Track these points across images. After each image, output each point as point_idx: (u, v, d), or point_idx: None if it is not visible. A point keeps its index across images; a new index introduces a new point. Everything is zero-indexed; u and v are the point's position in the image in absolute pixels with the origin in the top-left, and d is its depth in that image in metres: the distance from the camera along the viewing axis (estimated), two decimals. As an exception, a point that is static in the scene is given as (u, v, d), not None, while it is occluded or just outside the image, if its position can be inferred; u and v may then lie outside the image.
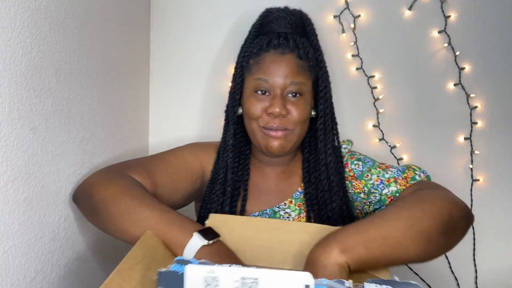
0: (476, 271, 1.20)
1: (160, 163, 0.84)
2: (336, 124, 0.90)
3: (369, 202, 0.85)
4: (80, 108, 0.84)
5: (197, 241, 0.64)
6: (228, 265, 0.44)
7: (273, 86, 0.81)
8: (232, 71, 1.22)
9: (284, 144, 0.83)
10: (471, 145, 1.19)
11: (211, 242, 0.64)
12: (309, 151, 0.91)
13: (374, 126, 1.21)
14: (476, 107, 1.18)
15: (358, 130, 1.22)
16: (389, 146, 1.21)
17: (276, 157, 0.88)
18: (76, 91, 0.83)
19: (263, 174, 0.92)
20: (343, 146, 0.92)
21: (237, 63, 0.89)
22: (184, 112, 1.25)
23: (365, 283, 0.43)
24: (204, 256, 0.62)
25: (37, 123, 0.71)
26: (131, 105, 1.12)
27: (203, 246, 0.63)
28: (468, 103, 1.18)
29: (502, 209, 1.19)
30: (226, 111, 0.90)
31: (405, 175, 0.84)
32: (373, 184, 0.84)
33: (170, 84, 1.25)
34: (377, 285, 0.44)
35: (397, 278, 0.46)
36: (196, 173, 0.88)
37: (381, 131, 1.21)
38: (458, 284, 1.21)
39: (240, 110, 0.88)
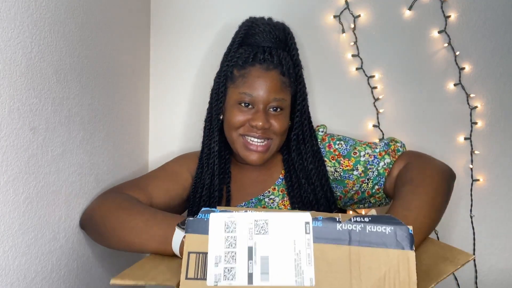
0: (476, 271, 1.20)
1: (152, 179, 0.90)
2: (313, 131, 0.94)
3: (367, 179, 0.90)
4: (80, 108, 0.84)
5: (179, 233, 0.66)
6: (244, 211, 0.52)
7: (256, 100, 0.85)
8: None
9: (263, 156, 0.88)
10: (471, 145, 1.19)
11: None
12: (288, 153, 0.95)
13: (374, 126, 1.21)
14: (476, 107, 1.18)
15: (358, 130, 1.22)
16: (389, 146, 1.21)
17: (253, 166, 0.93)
18: (76, 91, 0.83)
19: (244, 170, 0.96)
20: (320, 129, 0.97)
21: (220, 71, 0.92)
22: (184, 111, 1.25)
23: (352, 218, 0.53)
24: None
25: (37, 123, 0.71)
26: (131, 104, 1.12)
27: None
28: (468, 103, 1.18)
29: (502, 209, 1.19)
30: (209, 119, 0.94)
31: (392, 147, 0.91)
32: (367, 161, 0.90)
33: (170, 83, 1.25)
34: (361, 218, 0.53)
35: (375, 213, 0.55)
36: (186, 180, 0.94)
37: (381, 131, 1.21)
38: (458, 284, 1.21)
39: (221, 117, 0.92)
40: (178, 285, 0.49)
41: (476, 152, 1.18)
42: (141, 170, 1.20)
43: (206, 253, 0.49)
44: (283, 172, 0.94)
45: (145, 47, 1.22)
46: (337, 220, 0.52)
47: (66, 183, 0.80)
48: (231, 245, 0.49)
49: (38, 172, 0.72)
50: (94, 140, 0.91)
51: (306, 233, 0.51)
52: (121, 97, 1.04)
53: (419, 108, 1.21)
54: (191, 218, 0.53)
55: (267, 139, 0.87)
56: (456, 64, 1.18)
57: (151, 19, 1.24)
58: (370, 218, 0.52)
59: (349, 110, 1.22)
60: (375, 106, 1.21)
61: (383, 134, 1.21)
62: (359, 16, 1.19)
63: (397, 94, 1.21)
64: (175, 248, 0.66)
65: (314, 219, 0.51)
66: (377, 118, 1.21)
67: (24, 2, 0.67)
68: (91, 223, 0.80)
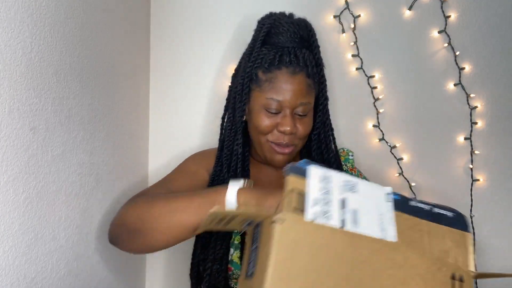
0: (476, 271, 1.20)
1: (172, 182, 0.88)
2: (332, 131, 0.95)
3: None
4: (80, 108, 0.84)
5: (233, 187, 0.67)
6: (337, 171, 0.58)
7: (284, 106, 0.85)
8: (232, 71, 1.22)
9: (288, 158, 0.89)
10: (471, 145, 1.19)
11: (246, 183, 0.69)
12: (308, 154, 0.95)
13: (374, 126, 1.21)
14: (476, 107, 1.18)
15: (358, 130, 1.22)
16: (389, 146, 1.21)
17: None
18: (76, 91, 0.83)
19: (262, 170, 0.95)
20: (350, 154, 1.00)
21: (243, 71, 0.89)
22: (184, 111, 1.25)
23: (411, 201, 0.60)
24: (244, 197, 0.67)
25: (37, 123, 0.71)
26: (131, 104, 1.12)
27: (239, 189, 0.68)
28: (468, 103, 1.18)
29: (502, 209, 1.19)
30: (231, 120, 0.92)
31: None
32: None
33: (170, 83, 1.25)
34: (426, 203, 0.60)
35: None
36: (204, 179, 0.92)
37: (381, 131, 1.21)
38: (458, 284, 1.21)
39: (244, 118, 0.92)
40: (277, 213, 0.52)
41: (476, 152, 1.18)
42: (141, 170, 1.20)
43: (304, 193, 0.54)
44: None
45: (145, 47, 1.22)
46: (410, 198, 0.59)
47: (66, 183, 0.80)
48: (327, 193, 0.54)
49: (38, 172, 0.72)
50: (94, 140, 0.91)
51: (387, 201, 0.57)
52: (121, 97, 1.04)
53: (419, 108, 1.21)
54: (291, 165, 0.57)
55: (293, 145, 0.88)
56: (456, 64, 1.18)
57: (151, 19, 1.24)
58: (433, 204, 0.60)
59: (349, 110, 1.22)
60: (375, 106, 1.21)
61: (383, 134, 1.21)
62: (359, 16, 1.19)
63: (397, 94, 1.21)
64: (231, 200, 0.67)
65: (393, 192, 0.58)
66: (377, 118, 1.21)
67: (24, 2, 0.67)
68: (126, 229, 0.75)
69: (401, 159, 1.21)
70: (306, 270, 0.49)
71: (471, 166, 1.19)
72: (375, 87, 1.21)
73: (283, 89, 0.84)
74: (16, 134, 0.66)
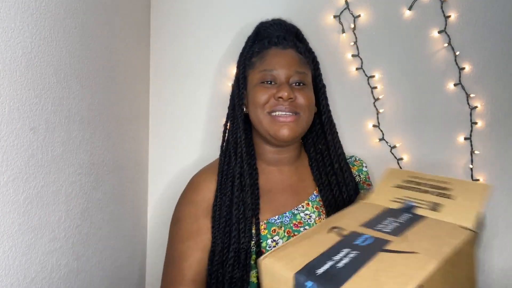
0: (476, 271, 1.20)
1: (181, 265, 0.83)
2: (334, 126, 0.97)
3: None
4: (80, 108, 0.84)
5: None
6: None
7: (278, 75, 0.86)
8: (232, 71, 1.22)
9: (294, 128, 0.85)
10: (471, 145, 1.19)
11: None
12: (314, 150, 0.96)
13: (374, 126, 1.21)
14: (476, 107, 1.18)
15: (358, 130, 1.22)
16: (389, 146, 1.21)
17: (284, 144, 0.90)
18: (76, 91, 0.83)
19: (272, 177, 0.92)
20: (364, 165, 1.01)
21: (238, 65, 0.94)
22: (184, 111, 1.25)
23: None
24: None
25: (37, 123, 0.71)
26: (131, 104, 1.12)
27: None
28: (468, 103, 1.18)
29: (502, 209, 1.19)
30: (232, 110, 0.93)
31: None
32: None
33: (170, 83, 1.25)
34: None
35: None
36: (209, 227, 0.86)
37: (381, 131, 1.21)
38: (458, 284, 1.21)
39: (243, 108, 0.91)
40: None
41: (476, 152, 1.18)
42: (141, 170, 1.20)
43: None
44: (317, 189, 0.92)
45: (145, 47, 1.22)
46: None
47: (66, 183, 0.80)
48: None
49: (38, 172, 0.72)
50: (94, 140, 0.91)
51: None
52: (121, 97, 1.04)
53: (419, 108, 1.21)
54: (298, 275, 0.51)
55: (295, 113, 0.85)
56: (456, 64, 1.18)
57: (151, 19, 1.24)
58: None
59: (349, 110, 1.22)
60: (375, 106, 1.21)
61: (383, 134, 1.21)
62: (359, 16, 1.19)
63: (397, 94, 1.21)
64: None
65: None
66: (377, 118, 1.21)
67: (24, 2, 0.67)
68: None
69: (401, 159, 1.21)
70: None
71: (471, 166, 1.19)
72: (375, 87, 1.20)
73: (274, 60, 0.87)
74: (16, 134, 0.66)
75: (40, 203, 0.73)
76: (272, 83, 0.87)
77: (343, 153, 0.94)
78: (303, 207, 0.89)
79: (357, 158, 1.03)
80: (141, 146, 1.20)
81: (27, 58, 0.68)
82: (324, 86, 0.95)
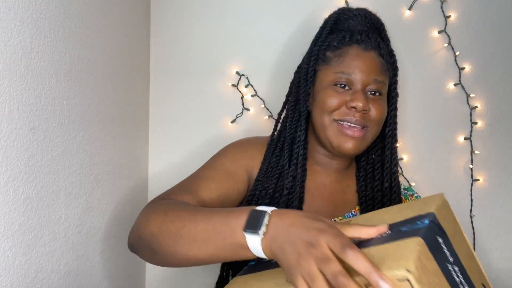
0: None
1: (201, 181, 0.76)
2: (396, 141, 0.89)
3: None
4: (80, 108, 0.84)
5: (252, 239, 0.53)
6: None
7: (355, 81, 0.78)
8: (232, 71, 1.22)
9: (360, 144, 0.79)
10: (471, 145, 1.19)
11: (264, 230, 0.52)
12: (366, 161, 0.88)
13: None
14: (476, 107, 1.18)
15: (358, 130, 1.22)
16: (389, 146, 1.21)
17: (345, 156, 0.84)
18: (76, 91, 0.83)
19: (317, 180, 0.86)
20: (415, 192, 0.93)
21: (310, 55, 0.84)
22: (184, 111, 1.25)
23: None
24: (269, 246, 0.52)
25: (37, 123, 0.71)
26: (131, 104, 1.12)
27: (262, 239, 0.52)
28: (468, 103, 1.18)
29: (502, 209, 1.19)
30: (294, 106, 0.85)
31: None
32: None
33: (170, 83, 1.25)
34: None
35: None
36: (242, 182, 0.81)
37: (381, 131, 1.21)
38: (458, 284, 1.21)
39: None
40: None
41: (476, 152, 1.18)
42: (141, 170, 1.20)
43: None
44: (356, 209, 0.85)
45: (145, 47, 1.22)
46: None
47: (66, 183, 0.80)
48: None
49: (38, 172, 0.72)
50: (94, 140, 0.91)
51: None
52: (121, 97, 1.04)
53: (419, 108, 1.21)
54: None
55: (364, 127, 0.78)
56: (456, 64, 1.18)
57: (151, 19, 1.24)
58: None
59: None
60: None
61: (383, 134, 1.21)
62: (359, 16, 1.19)
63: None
64: (258, 254, 0.53)
65: None
66: (377, 118, 1.21)
67: (24, 2, 0.67)
68: (143, 244, 0.67)
69: (401, 159, 1.21)
70: None
71: (471, 166, 1.19)
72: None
73: (354, 63, 0.77)
74: (16, 134, 0.66)
75: (40, 203, 0.73)
76: (346, 87, 0.78)
77: (397, 173, 0.87)
78: (335, 221, 0.83)
79: (414, 193, 0.93)
80: (141, 146, 1.20)
81: (27, 58, 0.68)
82: (397, 95, 0.87)
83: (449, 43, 1.17)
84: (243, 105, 1.22)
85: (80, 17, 0.84)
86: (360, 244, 0.50)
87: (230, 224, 0.56)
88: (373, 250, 0.48)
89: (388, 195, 0.84)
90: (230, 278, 0.81)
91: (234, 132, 1.22)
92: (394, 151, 0.86)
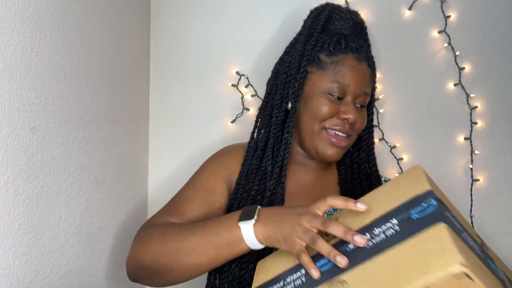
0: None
1: (184, 204, 0.81)
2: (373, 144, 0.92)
3: None
4: (80, 108, 0.84)
5: (246, 227, 0.63)
6: None
7: (348, 92, 0.80)
8: (232, 71, 1.22)
9: (343, 151, 0.83)
10: (471, 145, 1.18)
11: (255, 217, 0.64)
12: (344, 162, 0.91)
13: (374, 126, 1.21)
14: (476, 107, 1.18)
15: (358, 130, 1.22)
16: (389, 146, 1.21)
17: (326, 162, 0.87)
18: (76, 91, 0.83)
19: (296, 178, 0.88)
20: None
21: (301, 54, 0.83)
22: (184, 111, 1.25)
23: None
24: (262, 231, 0.63)
25: (37, 123, 0.71)
26: (131, 104, 1.12)
27: (254, 225, 0.63)
28: (468, 103, 1.18)
29: (502, 209, 1.19)
30: (279, 106, 0.84)
31: None
32: None
33: (170, 82, 1.25)
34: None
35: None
36: (222, 194, 0.84)
37: (381, 131, 1.21)
38: (458, 284, 1.20)
39: (289, 105, 0.83)
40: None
41: (476, 152, 1.18)
42: (141, 170, 1.20)
43: None
44: None
45: (145, 47, 1.22)
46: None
47: (66, 183, 0.80)
48: None
49: (38, 172, 0.72)
50: (94, 140, 0.91)
51: None
52: (121, 97, 1.04)
53: (419, 108, 1.21)
54: None
55: (349, 135, 0.82)
56: (456, 64, 1.18)
57: (151, 19, 1.24)
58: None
59: (349, 110, 1.22)
60: (375, 106, 1.21)
61: (383, 134, 1.21)
62: (359, 16, 1.19)
63: (397, 94, 1.21)
64: (252, 241, 0.63)
65: None
66: (377, 118, 1.21)
67: (24, 2, 0.67)
68: (144, 270, 0.71)
69: (401, 159, 1.21)
70: None
71: (471, 166, 1.19)
72: (375, 87, 1.20)
73: (350, 74, 0.79)
74: (16, 134, 0.66)
75: (40, 203, 0.73)
76: (339, 98, 0.80)
77: (377, 172, 0.91)
78: None
79: (387, 179, 0.96)
80: (141, 146, 1.20)
81: (27, 58, 0.68)
82: (374, 100, 0.91)
83: (449, 43, 1.17)
84: (243, 105, 1.22)
85: (80, 17, 0.84)
86: (379, 247, 0.49)
87: (226, 223, 0.66)
88: (399, 252, 0.46)
89: (367, 188, 0.87)
90: (217, 282, 0.82)
91: (234, 132, 1.22)
92: (370, 153, 0.90)
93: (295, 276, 0.58)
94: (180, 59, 1.24)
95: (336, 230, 0.56)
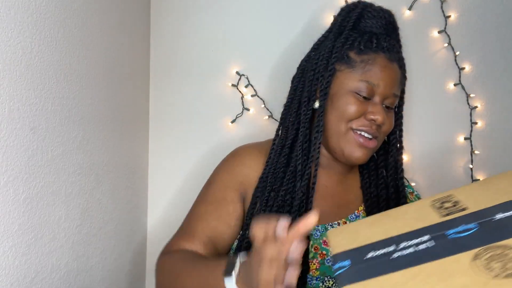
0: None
1: (198, 222, 0.80)
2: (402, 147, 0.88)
3: None
4: (80, 108, 0.84)
5: (230, 283, 0.61)
6: None
7: (377, 92, 0.77)
8: (232, 71, 1.22)
9: (370, 153, 0.79)
10: (471, 145, 1.19)
11: (236, 272, 0.61)
12: (367, 166, 0.88)
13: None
14: (476, 107, 1.18)
15: (358, 130, 1.22)
16: (389, 146, 1.21)
17: (352, 164, 0.84)
18: (76, 91, 0.83)
19: (319, 182, 0.84)
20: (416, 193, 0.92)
21: (330, 51, 0.80)
22: (184, 110, 1.25)
23: None
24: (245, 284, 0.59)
25: (37, 123, 0.71)
26: (131, 104, 1.12)
27: (236, 281, 0.60)
28: (468, 103, 1.18)
29: (502, 209, 1.19)
30: (307, 104, 0.81)
31: None
32: None
33: (170, 83, 1.25)
34: None
35: None
36: (236, 202, 0.82)
37: (381, 131, 1.21)
38: (458, 284, 1.21)
39: (317, 103, 0.80)
40: None
41: (476, 152, 1.18)
42: (141, 170, 1.20)
43: None
44: (359, 209, 0.85)
45: (145, 47, 1.22)
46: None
47: (66, 183, 0.80)
48: None
49: (38, 172, 0.72)
50: (94, 140, 0.91)
51: None
52: (121, 97, 1.04)
53: (419, 108, 1.21)
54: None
55: (376, 137, 0.79)
56: (456, 64, 1.18)
57: (151, 19, 1.24)
58: None
59: (349, 110, 1.22)
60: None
61: (383, 134, 1.21)
62: (359, 16, 1.19)
63: (397, 94, 1.21)
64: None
65: None
66: (377, 118, 1.21)
67: (24, 2, 0.67)
68: None
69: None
70: None
71: (471, 166, 1.19)
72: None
73: (380, 73, 0.76)
74: (16, 134, 0.66)
75: (40, 203, 0.73)
76: (367, 98, 0.77)
77: (403, 179, 0.87)
78: (338, 224, 0.81)
79: (414, 191, 0.92)
80: (141, 146, 1.20)
81: (27, 58, 0.68)
82: (403, 103, 0.87)
83: (449, 43, 1.17)
84: (243, 105, 1.22)
85: (80, 17, 0.84)
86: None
87: (215, 274, 0.64)
88: None
89: (393, 194, 0.83)
90: None
91: (234, 132, 1.22)
92: (398, 158, 0.86)
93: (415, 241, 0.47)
94: (180, 59, 1.24)
95: (294, 234, 0.51)
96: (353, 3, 0.85)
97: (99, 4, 0.92)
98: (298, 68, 0.87)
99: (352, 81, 0.77)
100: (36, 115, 0.71)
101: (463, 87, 1.18)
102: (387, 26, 0.82)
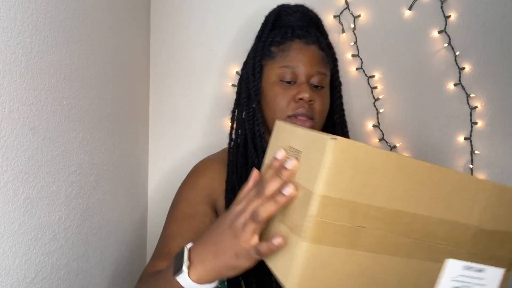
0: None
1: (170, 242, 0.80)
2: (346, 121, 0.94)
3: None
4: (80, 108, 0.84)
5: (182, 279, 0.56)
6: None
7: (299, 74, 0.82)
8: (232, 70, 1.23)
9: None
10: (471, 145, 1.19)
11: (186, 263, 0.56)
12: None
13: (374, 126, 1.21)
14: (476, 107, 1.18)
15: (358, 130, 1.22)
16: (389, 146, 1.21)
17: None
18: (76, 91, 0.83)
19: None
20: None
21: (255, 51, 0.88)
22: (184, 111, 1.25)
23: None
24: (203, 273, 0.56)
25: (37, 123, 0.71)
26: (131, 104, 1.12)
27: (189, 273, 0.56)
28: (468, 103, 1.18)
29: (502, 209, 1.19)
30: (247, 100, 0.87)
31: None
32: None
33: (170, 83, 1.25)
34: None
35: None
36: (206, 214, 0.83)
37: (381, 131, 1.21)
38: (458, 284, 1.21)
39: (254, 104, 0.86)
40: None
41: (476, 152, 1.18)
42: (141, 170, 1.20)
43: None
44: None
45: (145, 47, 1.22)
46: None
47: (66, 183, 0.80)
48: None
49: (38, 172, 0.72)
50: (94, 140, 0.91)
51: None
52: (121, 97, 1.04)
53: (419, 108, 1.21)
54: None
55: (311, 119, 0.82)
56: (456, 64, 1.18)
57: (151, 19, 1.24)
58: None
59: (349, 110, 1.22)
60: (375, 106, 1.21)
61: (383, 134, 1.21)
62: (359, 16, 1.19)
63: (397, 94, 1.21)
64: (189, 284, 0.56)
65: None
66: (377, 118, 1.21)
67: (24, 2, 0.67)
68: None
69: (401, 159, 1.21)
70: (360, 186, 0.46)
71: (471, 166, 1.19)
72: (375, 87, 1.21)
73: (297, 57, 0.82)
74: (16, 134, 0.66)
75: (40, 203, 0.73)
76: (291, 82, 0.83)
77: None
78: None
79: None
80: (141, 146, 1.20)
81: (27, 58, 0.68)
82: (340, 84, 0.92)
83: (449, 43, 1.17)
84: (243, 105, 1.22)
85: (80, 17, 0.84)
86: None
87: (166, 278, 0.60)
88: None
89: None
90: None
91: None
92: (345, 136, 0.89)
93: None
94: (180, 59, 1.24)
95: (272, 186, 0.51)
96: (273, 9, 0.93)
97: (99, 4, 0.92)
98: (241, 71, 0.95)
99: (275, 70, 0.84)
100: (36, 115, 0.71)
101: (463, 87, 1.18)
102: (303, 18, 0.88)
